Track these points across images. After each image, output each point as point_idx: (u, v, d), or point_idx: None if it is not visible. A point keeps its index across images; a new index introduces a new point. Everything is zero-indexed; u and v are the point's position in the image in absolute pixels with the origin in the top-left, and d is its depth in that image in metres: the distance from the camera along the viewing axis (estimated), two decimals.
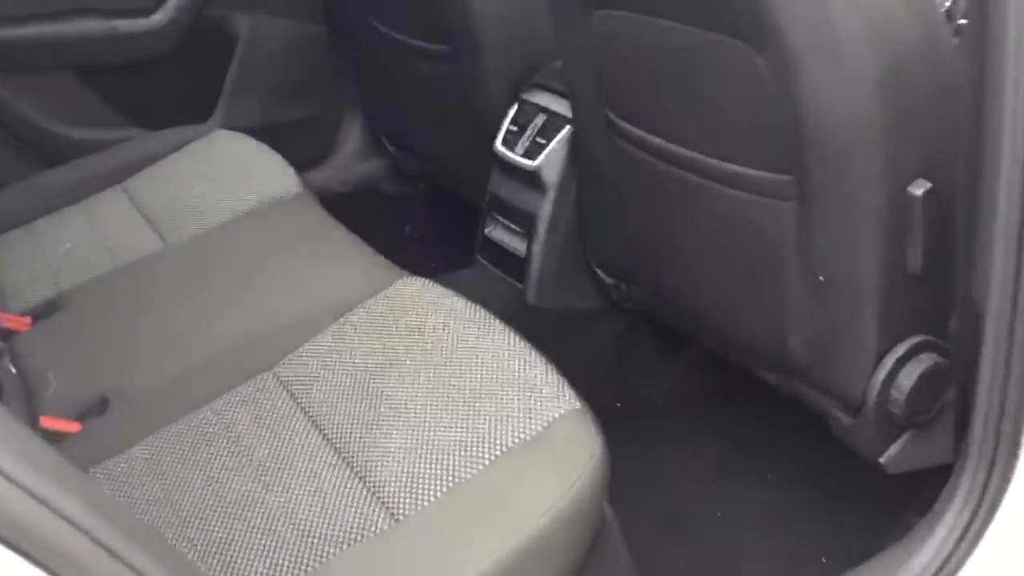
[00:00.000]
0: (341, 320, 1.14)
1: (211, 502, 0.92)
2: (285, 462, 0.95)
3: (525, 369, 0.98)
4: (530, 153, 1.54)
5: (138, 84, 1.84)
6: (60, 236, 1.52)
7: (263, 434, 1.00)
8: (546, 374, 0.97)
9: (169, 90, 1.85)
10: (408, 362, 1.04)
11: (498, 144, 1.60)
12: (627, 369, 1.67)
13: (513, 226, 1.63)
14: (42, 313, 1.33)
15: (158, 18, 1.76)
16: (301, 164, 1.64)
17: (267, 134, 1.67)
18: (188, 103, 1.85)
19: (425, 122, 1.87)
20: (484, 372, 0.99)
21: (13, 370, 1.14)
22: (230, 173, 1.59)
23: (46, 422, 1.07)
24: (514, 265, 1.63)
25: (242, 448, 0.98)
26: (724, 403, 1.53)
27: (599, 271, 1.52)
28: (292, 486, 0.91)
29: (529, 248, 1.58)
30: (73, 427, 1.09)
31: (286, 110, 1.96)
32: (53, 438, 1.06)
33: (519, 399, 0.94)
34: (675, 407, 1.58)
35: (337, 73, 1.99)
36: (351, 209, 1.55)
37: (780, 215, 1.07)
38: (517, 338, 1.03)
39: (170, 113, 1.80)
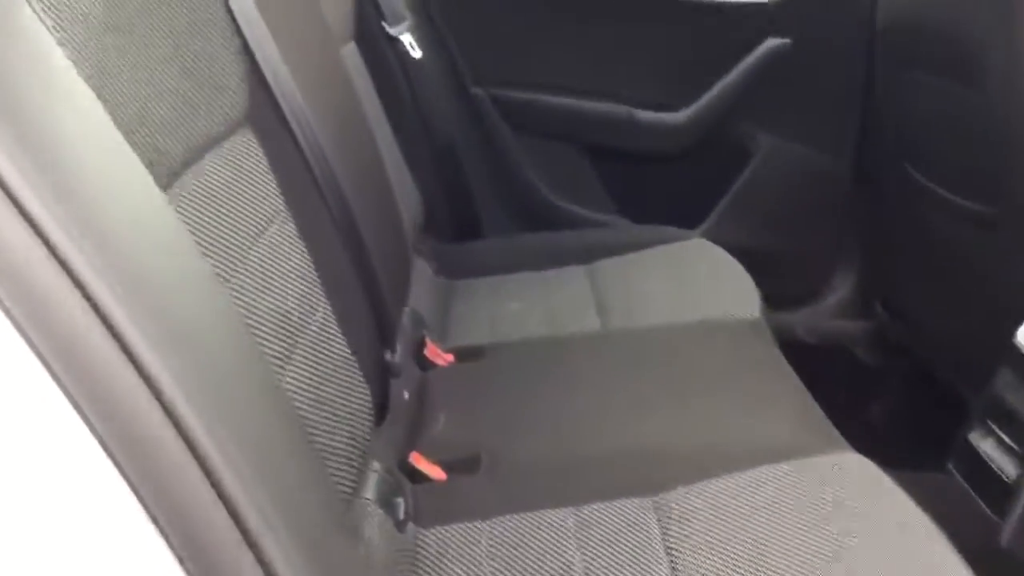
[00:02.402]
0: (756, 471, 0.93)
1: None
2: None
3: None
4: None
5: (638, 174, 1.82)
6: (513, 295, 1.52)
7: (616, 563, 0.84)
8: None
9: (666, 187, 1.81)
10: (823, 551, 0.81)
11: (1019, 336, 1.26)
12: None
13: (1010, 442, 1.27)
14: (465, 356, 1.32)
15: (679, 117, 1.72)
16: (773, 298, 1.47)
17: (748, 256, 1.53)
18: (680, 205, 1.78)
19: (934, 290, 1.57)
20: None
21: (406, 396, 1.11)
22: (694, 281, 1.48)
23: (416, 459, 1.02)
24: (995, 491, 1.25)
25: (593, 569, 0.85)
26: None
27: None
28: None
29: (1022, 478, 1.21)
30: (439, 475, 1.02)
31: (777, 239, 1.79)
32: (414, 476, 1.00)
33: None
34: None
35: (845, 214, 1.78)
36: (810, 362, 1.33)
37: None
38: None
39: (659, 210, 1.74)
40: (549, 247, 1.67)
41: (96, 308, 0.49)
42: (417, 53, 1.60)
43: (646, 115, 1.73)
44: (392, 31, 1.56)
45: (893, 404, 1.78)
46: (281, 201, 0.88)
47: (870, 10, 1.60)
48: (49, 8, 0.59)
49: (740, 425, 1.07)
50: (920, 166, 1.52)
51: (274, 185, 0.87)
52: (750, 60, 1.66)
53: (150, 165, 0.63)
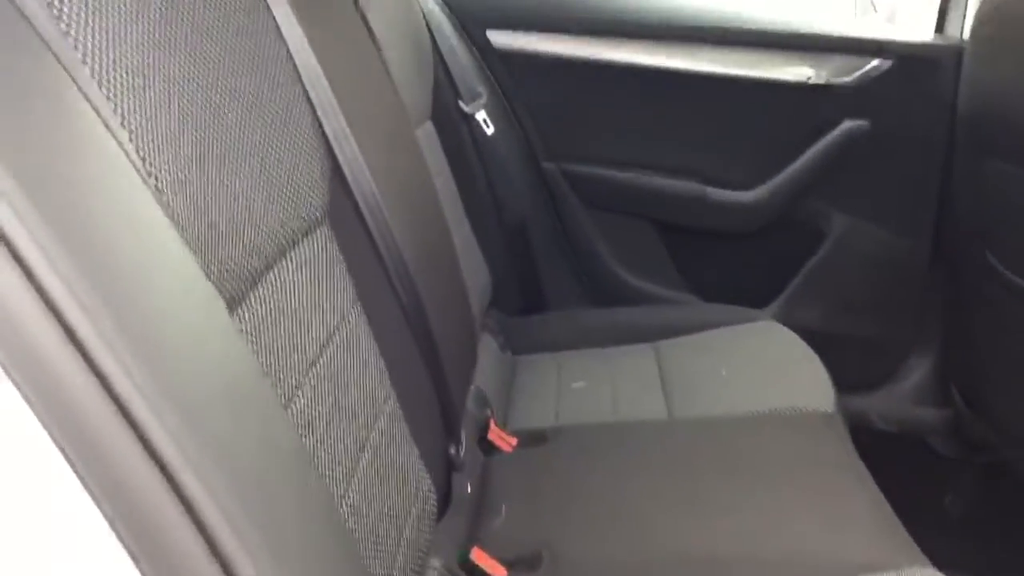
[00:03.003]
0: None
1: None
2: None
3: None
4: None
5: (709, 251, 1.80)
6: (578, 373, 1.51)
7: None
8: None
9: (736, 266, 1.78)
10: None
11: None
12: None
13: None
14: (529, 441, 1.30)
15: (752, 195, 1.70)
16: (846, 382, 1.44)
17: (819, 340, 1.49)
18: (750, 284, 1.75)
19: (1015, 385, 1.51)
20: None
21: (468, 489, 1.10)
22: (764, 367, 1.44)
23: (478, 556, 1.00)
24: None
25: None
26: None
27: None
28: None
29: None
30: (500, 573, 1.01)
31: (851, 322, 1.75)
32: (474, 573, 0.99)
33: None
34: None
35: (922, 298, 1.73)
36: (886, 452, 1.30)
37: None
38: None
39: (728, 288, 1.72)
40: (615, 323, 1.66)
41: (149, 449, 0.49)
42: (490, 129, 1.61)
43: (718, 192, 1.71)
44: (467, 109, 1.59)
45: (970, 502, 1.71)
46: (353, 295, 0.89)
47: (952, 95, 1.57)
48: (124, 117, 0.58)
49: (811, 532, 1.03)
50: (1000, 254, 1.48)
51: (348, 281, 0.88)
52: (826, 141, 1.64)
53: (219, 280, 0.63)
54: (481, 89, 1.65)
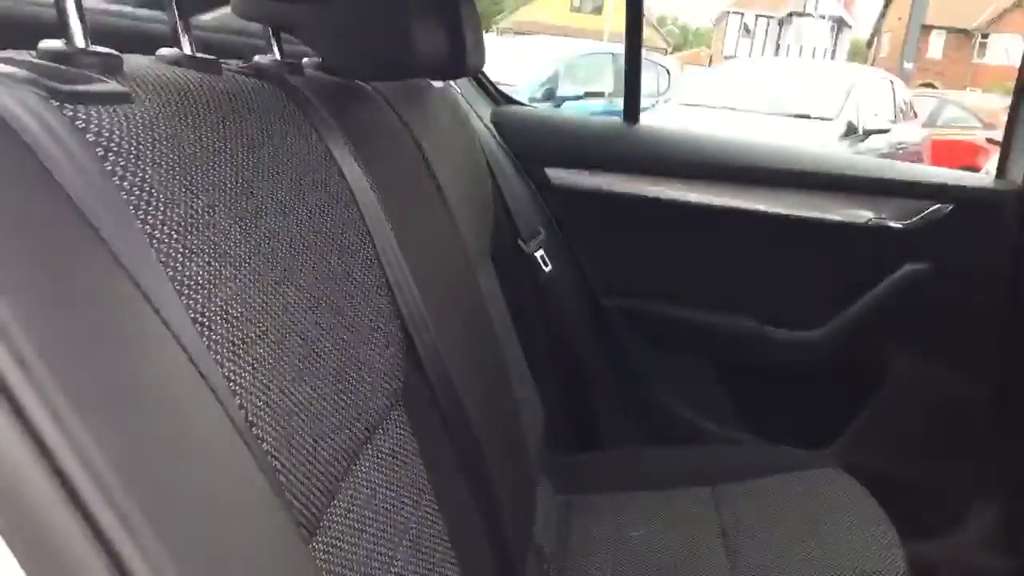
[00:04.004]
0: None
1: None
2: None
3: None
4: None
5: (768, 390, 1.77)
6: (636, 519, 1.47)
7: None
8: None
9: (796, 406, 1.75)
10: None
11: None
12: None
13: None
14: None
15: (813, 336, 1.69)
16: (909, 528, 1.38)
17: (881, 484, 1.45)
18: (809, 424, 1.72)
19: None
20: None
21: None
22: (829, 520, 1.40)
23: None
24: None
25: None
26: None
27: None
28: None
29: None
30: None
31: (913, 466, 1.70)
32: None
33: None
34: None
35: (989, 444, 1.68)
36: None
37: None
38: None
39: (788, 428, 1.69)
40: (673, 463, 1.62)
41: None
42: (548, 267, 1.62)
43: (778, 332, 1.70)
44: (527, 248, 1.60)
45: None
46: (426, 480, 0.88)
47: (1014, 238, 1.56)
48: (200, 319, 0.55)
49: None
50: None
51: (421, 467, 0.87)
52: (887, 283, 1.63)
53: (292, 500, 0.59)
54: (540, 226, 1.66)
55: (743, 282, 1.72)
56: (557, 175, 1.73)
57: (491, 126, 1.74)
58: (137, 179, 0.53)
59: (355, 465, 0.74)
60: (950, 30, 25.44)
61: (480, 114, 1.74)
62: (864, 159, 1.70)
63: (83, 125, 0.50)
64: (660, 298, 1.75)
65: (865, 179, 1.63)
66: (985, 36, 25.97)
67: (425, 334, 0.93)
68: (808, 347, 1.69)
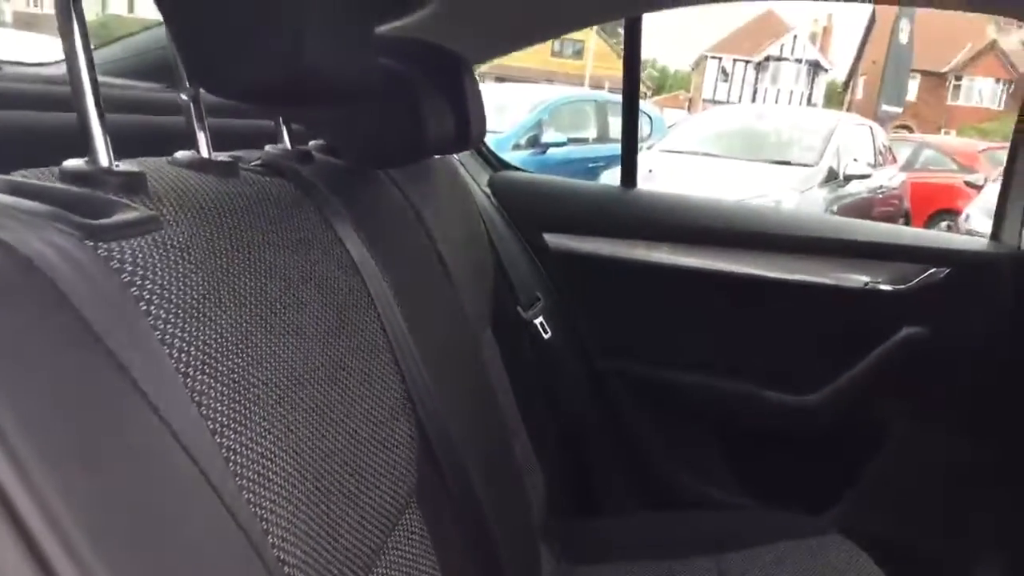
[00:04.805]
0: None
1: None
2: None
3: None
4: None
5: (764, 454, 1.76)
6: None
7: None
8: None
9: (795, 470, 1.74)
10: None
11: None
12: None
13: None
14: None
15: (811, 400, 1.68)
16: None
17: (881, 548, 1.44)
18: (808, 488, 1.71)
19: None
20: None
21: None
22: None
23: None
24: None
25: None
26: None
27: None
28: None
29: None
30: None
31: (913, 530, 1.69)
32: None
33: None
34: None
35: (989, 508, 1.68)
36: None
37: None
38: None
39: (787, 492, 1.68)
40: (673, 529, 1.61)
41: None
42: (547, 334, 1.62)
43: (776, 396, 1.69)
44: (526, 316, 1.59)
45: None
46: (438, 569, 0.86)
47: (1011, 301, 1.57)
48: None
49: None
50: None
51: (435, 558, 0.85)
52: (885, 347, 1.63)
53: None
54: (538, 292, 1.66)
55: (741, 346, 1.72)
56: (555, 240, 1.73)
57: (488, 192, 1.74)
58: (164, 306, 0.52)
59: (371, 574, 0.72)
60: (924, 73, 25.93)
61: (477, 180, 1.75)
62: (862, 223, 1.71)
63: (117, 265, 0.49)
64: (658, 362, 1.74)
65: (863, 244, 1.64)
66: (959, 78, 26.51)
67: (437, 422, 0.92)
68: (806, 411, 1.68)
